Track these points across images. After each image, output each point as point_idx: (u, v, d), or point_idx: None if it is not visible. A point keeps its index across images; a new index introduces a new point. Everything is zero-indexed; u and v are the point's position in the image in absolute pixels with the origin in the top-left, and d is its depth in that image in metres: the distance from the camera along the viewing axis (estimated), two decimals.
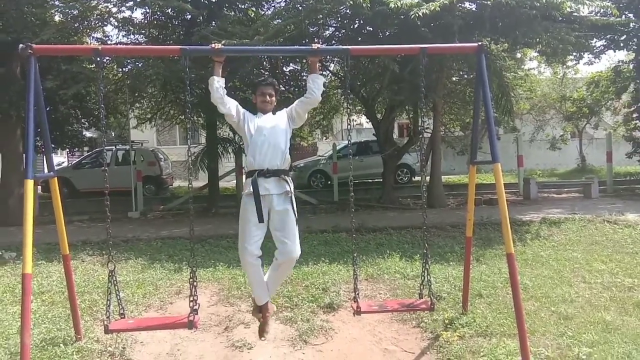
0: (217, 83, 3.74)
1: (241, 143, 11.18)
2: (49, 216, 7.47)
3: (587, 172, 19.44)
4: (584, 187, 13.24)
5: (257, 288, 3.81)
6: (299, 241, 3.72)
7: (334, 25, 11.41)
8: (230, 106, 3.81)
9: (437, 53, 7.74)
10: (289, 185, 3.75)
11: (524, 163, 14.73)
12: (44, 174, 4.79)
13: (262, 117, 3.85)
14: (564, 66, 19.45)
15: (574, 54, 13.19)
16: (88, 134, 16.40)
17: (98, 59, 3.85)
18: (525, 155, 15.86)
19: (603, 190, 13.37)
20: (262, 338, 3.94)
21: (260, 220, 3.60)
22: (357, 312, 3.81)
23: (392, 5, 7.77)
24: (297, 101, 3.95)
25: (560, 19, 9.84)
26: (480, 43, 4.02)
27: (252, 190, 3.62)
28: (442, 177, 13.19)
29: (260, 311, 3.87)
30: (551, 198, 13.27)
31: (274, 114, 3.93)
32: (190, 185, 4.02)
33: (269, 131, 3.75)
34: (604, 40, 14.16)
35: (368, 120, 14.57)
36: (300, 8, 9.53)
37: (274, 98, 3.93)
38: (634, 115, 17.23)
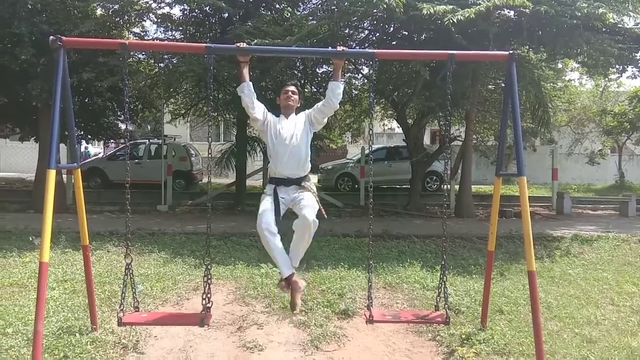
0: (247, 89, 3.89)
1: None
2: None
3: (625, 189, 18.68)
4: (621, 204, 12.79)
5: (278, 258, 3.78)
6: (315, 211, 3.76)
7: (368, 28, 11.33)
8: (259, 110, 3.95)
9: (468, 60, 7.57)
10: (308, 185, 3.96)
11: (558, 177, 14.29)
12: (66, 165, 4.87)
13: (284, 122, 3.97)
14: (606, 79, 18.78)
15: (617, 66, 12.69)
16: (123, 126, 16.74)
17: (126, 52, 3.89)
18: (561, 169, 15.42)
19: None
20: (294, 311, 3.92)
21: (277, 216, 3.79)
22: (370, 320, 3.74)
23: (425, 11, 7.63)
24: (315, 107, 4.01)
25: (603, 30, 9.47)
26: (511, 51, 3.89)
27: (272, 193, 3.88)
28: (473, 186, 12.92)
29: (287, 285, 3.83)
30: (585, 214, 12.86)
31: (296, 114, 4.03)
32: (209, 182, 4.10)
33: (291, 140, 3.90)
34: None
35: (399, 125, 14.41)
36: (334, 9, 9.47)
37: (297, 96, 4.05)
38: None
